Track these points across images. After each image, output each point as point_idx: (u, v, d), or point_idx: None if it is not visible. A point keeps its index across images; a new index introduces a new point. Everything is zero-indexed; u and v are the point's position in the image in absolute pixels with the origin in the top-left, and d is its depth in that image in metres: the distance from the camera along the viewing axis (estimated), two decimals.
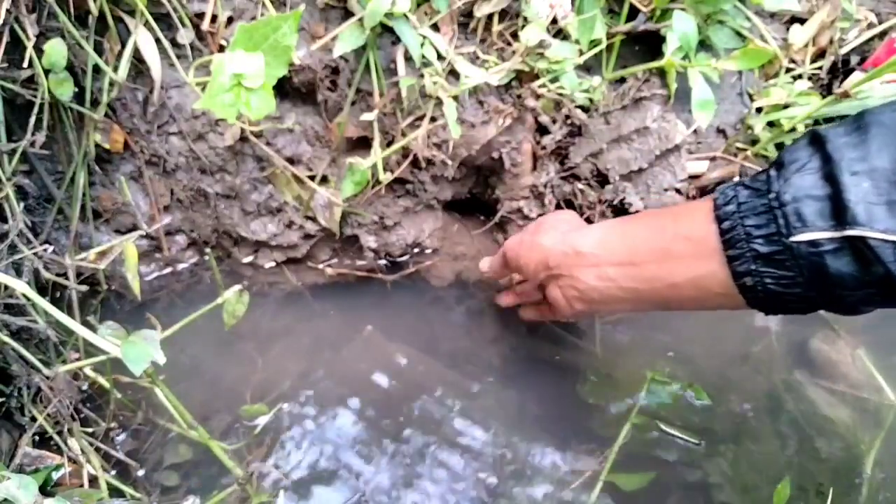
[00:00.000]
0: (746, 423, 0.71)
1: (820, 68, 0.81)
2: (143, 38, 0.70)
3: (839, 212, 0.39)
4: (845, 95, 0.71)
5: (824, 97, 0.76)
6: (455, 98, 0.74)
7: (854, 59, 0.81)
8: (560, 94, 0.77)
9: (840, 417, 0.71)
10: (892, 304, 0.41)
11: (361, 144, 0.80)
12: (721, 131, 0.82)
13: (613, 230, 0.56)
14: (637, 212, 0.78)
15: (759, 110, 0.79)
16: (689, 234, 0.48)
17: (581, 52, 0.75)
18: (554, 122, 0.79)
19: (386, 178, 0.78)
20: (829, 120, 0.76)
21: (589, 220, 0.81)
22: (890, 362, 0.75)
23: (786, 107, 0.78)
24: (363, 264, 0.86)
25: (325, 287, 0.85)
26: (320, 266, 0.87)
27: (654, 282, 0.51)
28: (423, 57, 0.72)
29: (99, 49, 0.70)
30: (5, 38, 0.64)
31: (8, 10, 0.63)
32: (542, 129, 0.81)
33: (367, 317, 0.82)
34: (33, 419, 0.62)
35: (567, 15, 0.74)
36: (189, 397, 0.63)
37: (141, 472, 0.65)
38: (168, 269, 0.85)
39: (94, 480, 0.61)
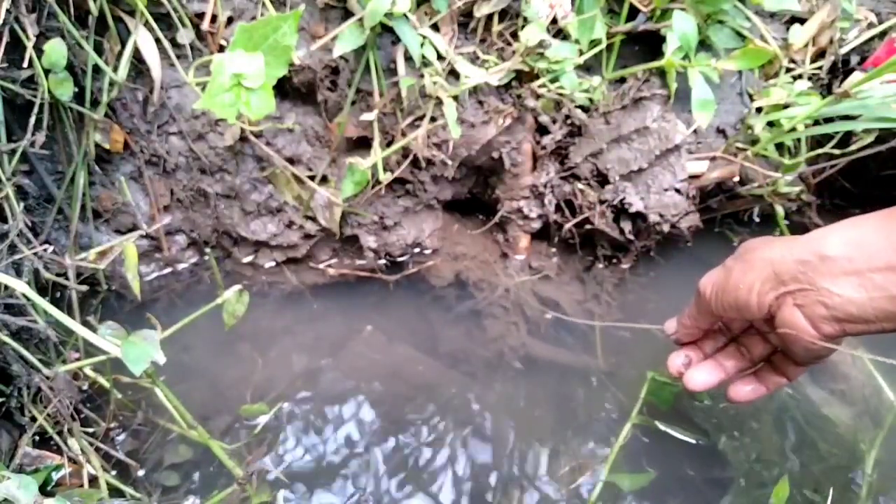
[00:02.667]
0: (746, 422, 0.71)
1: (820, 68, 0.81)
2: (143, 38, 0.70)
3: None
4: (845, 95, 0.71)
5: (824, 97, 0.76)
6: (455, 98, 0.74)
7: (854, 59, 0.81)
8: (560, 94, 0.77)
9: (840, 417, 0.71)
10: None
11: (361, 144, 0.80)
12: (721, 131, 0.82)
13: (868, 226, 0.44)
14: (638, 212, 0.78)
15: (759, 110, 0.79)
16: None
17: (581, 52, 0.75)
18: (554, 122, 0.79)
19: (386, 178, 0.78)
20: (828, 120, 0.76)
21: (588, 220, 0.81)
22: (890, 363, 0.75)
23: (786, 107, 0.78)
24: (363, 264, 0.86)
25: (326, 287, 0.85)
26: (320, 266, 0.87)
27: None
28: (423, 57, 0.72)
29: (99, 49, 0.70)
30: (5, 38, 0.64)
31: (8, 10, 0.63)
32: (542, 129, 0.81)
33: (367, 317, 0.82)
34: (33, 419, 0.62)
35: (567, 15, 0.74)
36: (189, 397, 0.63)
37: (141, 472, 0.65)
38: (168, 269, 0.85)
39: (94, 480, 0.61)
